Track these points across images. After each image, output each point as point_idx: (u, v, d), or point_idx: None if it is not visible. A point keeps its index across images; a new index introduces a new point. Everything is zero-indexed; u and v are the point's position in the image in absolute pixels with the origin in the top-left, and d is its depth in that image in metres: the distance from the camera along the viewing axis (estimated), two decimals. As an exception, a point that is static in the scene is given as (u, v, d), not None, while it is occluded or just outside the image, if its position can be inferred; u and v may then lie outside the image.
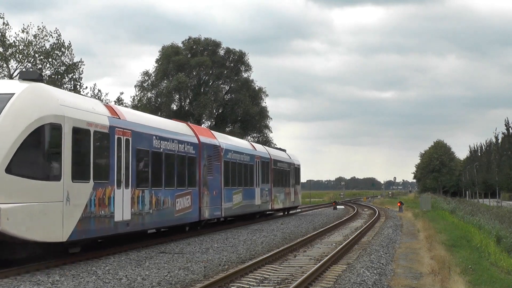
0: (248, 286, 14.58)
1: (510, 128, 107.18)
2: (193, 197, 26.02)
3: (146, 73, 69.18)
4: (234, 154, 32.14)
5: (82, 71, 46.44)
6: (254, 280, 15.40)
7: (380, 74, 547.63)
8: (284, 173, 43.89)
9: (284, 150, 47.55)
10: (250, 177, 35.12)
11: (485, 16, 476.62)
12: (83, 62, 46.39)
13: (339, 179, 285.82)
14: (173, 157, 24.04)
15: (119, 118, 20.15)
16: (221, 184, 29.86)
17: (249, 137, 71.17)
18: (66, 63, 45.64)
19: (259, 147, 40.06)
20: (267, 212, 42.06)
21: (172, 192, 23.84)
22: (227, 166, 30.87)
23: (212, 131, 31.45)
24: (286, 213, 46.76)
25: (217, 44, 71.03)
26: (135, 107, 61.10)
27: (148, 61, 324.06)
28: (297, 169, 48.29)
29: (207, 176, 27.72)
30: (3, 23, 43.37)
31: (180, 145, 24.81)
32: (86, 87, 47.33)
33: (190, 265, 17.51)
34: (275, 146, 57.08)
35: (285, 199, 44.24)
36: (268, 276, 16.09)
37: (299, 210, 55.42)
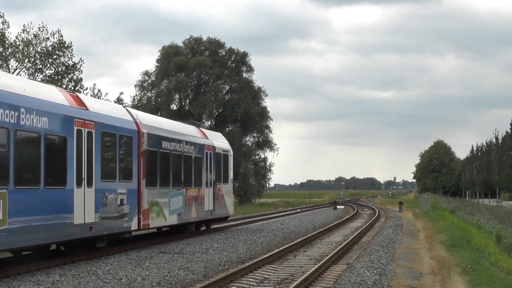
0: (248, 286, 14.58)
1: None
2: None
3: (146, 73, 69.22)
4: None
5: (82, 71, 46.38)
6: (254, 280, 15.40)
7: (380, 73, 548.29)
8: (185, 162, 25.53)
9: (198, 125, 29.52)
10: (51, 167, 16.62)
11: (484, 15, 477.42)
12: (83, 61, 46.38)
13: (339, 179, 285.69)
14: None
15: None
16: None
17: (249, 137, 70.91)
18: (66, 63, 45.54)
19: (110, 109, 21.21)
20: (146, 232, 25.85)
21: None
22: None
23: None
24: (206, 227, 29.41)
25: (219, 44, 70.83)
26: (135, 107, 61.01)
27: (146, 61, 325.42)
28: (220, 157, 29.52)
29: None
30: (2, 22, 43.33)
31: None
32: (87, 88, 47.16)
33: (190, 265, 17.52)
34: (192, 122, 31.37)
35: (189, 208, 25.78)
36: (268, 276, 16.09)
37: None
